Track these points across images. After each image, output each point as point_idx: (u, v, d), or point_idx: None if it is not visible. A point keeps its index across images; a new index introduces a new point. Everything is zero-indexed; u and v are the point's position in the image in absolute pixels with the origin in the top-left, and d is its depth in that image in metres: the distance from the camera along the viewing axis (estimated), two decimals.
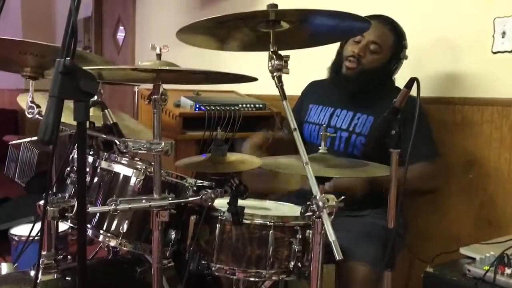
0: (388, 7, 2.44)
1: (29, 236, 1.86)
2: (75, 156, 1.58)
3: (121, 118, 1.87)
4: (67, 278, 1.52)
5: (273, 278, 1.48)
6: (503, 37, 2.03)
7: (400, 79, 2.12)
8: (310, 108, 2.31)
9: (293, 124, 1.25)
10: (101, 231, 1.52)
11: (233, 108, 2.71)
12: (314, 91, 2.36)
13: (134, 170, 1.51)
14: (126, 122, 2.01)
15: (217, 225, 1.48)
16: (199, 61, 2.87)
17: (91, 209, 1.41)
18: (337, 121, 2.19)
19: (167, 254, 1.52)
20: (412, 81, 1.54)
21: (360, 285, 1.80)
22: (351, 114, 2.16)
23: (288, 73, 1.31)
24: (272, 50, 1.31)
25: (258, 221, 1.47)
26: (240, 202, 1.46)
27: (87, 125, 1.03)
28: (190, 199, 1.44)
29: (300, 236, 1.46)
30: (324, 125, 2.00)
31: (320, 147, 1.69)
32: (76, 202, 1.38)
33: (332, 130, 2.15)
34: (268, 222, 1.46)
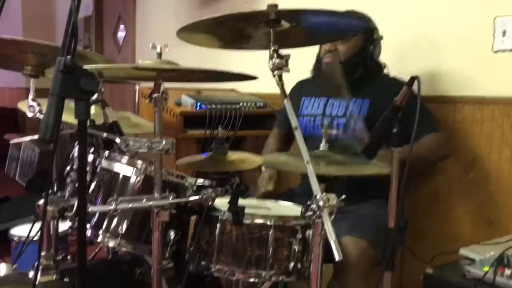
0: (388, 7, 2.45)
1: (28, 236, 1.85)
2: (76, 154, 1.57)
3: (123, 116, 1.87)
4: (66, 279, 1.52)
5: (272, 279, 1.47)
6: (503, 36, 2.03)
7: (400, 76, 2.13)
8: (303, 100, 2.31)
9: (294, 122, 1.25)
10: (100, 231, 1.50)
11: (234, 106, 2.71)
12: (304, 87, 2.37)
13: (134, 169, 1.51)
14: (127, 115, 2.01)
15: (217, 225, 1.48)
16: (199, 59, 2.87)
17: (91, 208, 1.41)
18: (332, 109, 2.19)
19: (167, 255, 1.52)
20: (413, 79, 1.54)
21: (356, 259, 1.78)
22: (345, 100, 2.17)
23: (288, 72, 1.31)
24: (272, 49, 1.31)
25: (258, 221, 1.46)
26: (241, 201, 1.46)
27: (88, 123, 1.02)
28: (191, 198, 1.44)
29: (300, 236, 1.45)
30: (320, 117, 2.01)
31: (320, 143, 1.70)
32: (76, 201, 1.38)
33: (329, 119, 2.17)
34: (268, 222, 1.45)
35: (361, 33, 2.12)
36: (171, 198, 1.37)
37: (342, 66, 2.12)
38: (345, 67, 2.12)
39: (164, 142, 1.33)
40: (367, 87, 2.13)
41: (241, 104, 2.77)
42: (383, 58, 2.21)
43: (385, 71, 2.23)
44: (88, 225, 1.50)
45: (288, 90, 1.30)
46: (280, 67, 1.30)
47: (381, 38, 2.17)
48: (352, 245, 1.80)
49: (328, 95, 2.22)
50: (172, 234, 1.49)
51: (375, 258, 1.82)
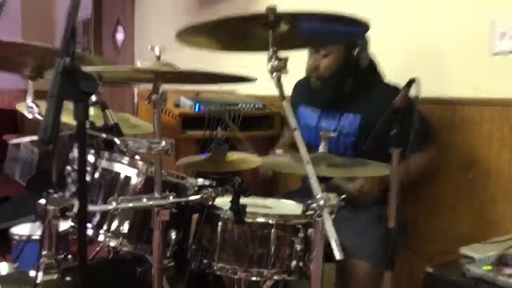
0: (390, 8, 2.45)
1: (29, 235, 1.85)
2: (76, 155, 1.57)
3: (122, 118, 1.87)
4: (67, 278, 1.52)
5: (274, 278, 1.48)
6: (502, 39, 2.03)
7: (401, 79, 2.12)
8: (300, 108, 2.30)
9: (294, 124, 1.26)
10: (102, 231, 1.51)
11: (232, 108, 2.71)
12: (302, 91, 2.33)
13: (136, 170, 1.51)
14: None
15: (219, 223, 1.48)
16: (198, 61, 2.87)
17: (91, 207, 1.41)
18: (327, 122, 2.17)
19: (168, 254, 1.52)
20: (412, 81, 1.55)
21: (361, 283, 1.80)
22: (338, 114, 2.15)
23: (287, 74, 1.31)
24: (271, 51, 1.31)
25: (260, 219, 1.47)
26: (243, 200, 1.46)
27: (87, 125, 1.03)
28: (191, 198, 1.44)
29: (302, 235, 1.45)
30: (313, 127, 2.00)
31: (318, 148, 1.70)
32: (76, 201, 1.38)
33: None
34: (270, 221, 1.46)
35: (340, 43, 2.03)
36: (171, 197, 1.38)
37: (326, 83, 2.08)
38: (331, 83, 2.08)
39: (163, 142, 1.34)
40: (360, 99, 2.09)
41: (240, 105, 2.78)
42: (383, 61, 2.20)
43: (385, 79, 2.19)
44: (89, 225, 1.50)
45: (287, 90, 1.30)
46: (279, 69, 1.30)
47: (365, 42, 2.08)
48: (355, 269, 1.80)
49: (323, 105, 2.20)
50: (173, 233, 1.49)
51: (380, 275, 1.80)
